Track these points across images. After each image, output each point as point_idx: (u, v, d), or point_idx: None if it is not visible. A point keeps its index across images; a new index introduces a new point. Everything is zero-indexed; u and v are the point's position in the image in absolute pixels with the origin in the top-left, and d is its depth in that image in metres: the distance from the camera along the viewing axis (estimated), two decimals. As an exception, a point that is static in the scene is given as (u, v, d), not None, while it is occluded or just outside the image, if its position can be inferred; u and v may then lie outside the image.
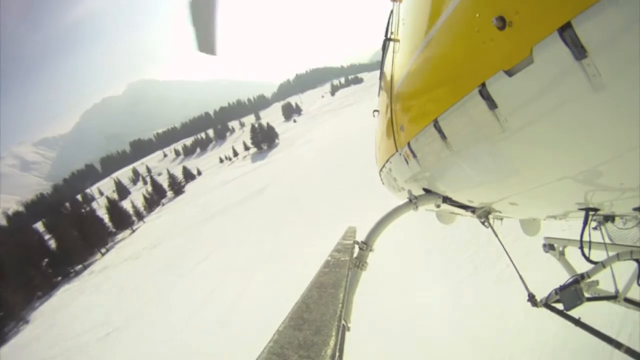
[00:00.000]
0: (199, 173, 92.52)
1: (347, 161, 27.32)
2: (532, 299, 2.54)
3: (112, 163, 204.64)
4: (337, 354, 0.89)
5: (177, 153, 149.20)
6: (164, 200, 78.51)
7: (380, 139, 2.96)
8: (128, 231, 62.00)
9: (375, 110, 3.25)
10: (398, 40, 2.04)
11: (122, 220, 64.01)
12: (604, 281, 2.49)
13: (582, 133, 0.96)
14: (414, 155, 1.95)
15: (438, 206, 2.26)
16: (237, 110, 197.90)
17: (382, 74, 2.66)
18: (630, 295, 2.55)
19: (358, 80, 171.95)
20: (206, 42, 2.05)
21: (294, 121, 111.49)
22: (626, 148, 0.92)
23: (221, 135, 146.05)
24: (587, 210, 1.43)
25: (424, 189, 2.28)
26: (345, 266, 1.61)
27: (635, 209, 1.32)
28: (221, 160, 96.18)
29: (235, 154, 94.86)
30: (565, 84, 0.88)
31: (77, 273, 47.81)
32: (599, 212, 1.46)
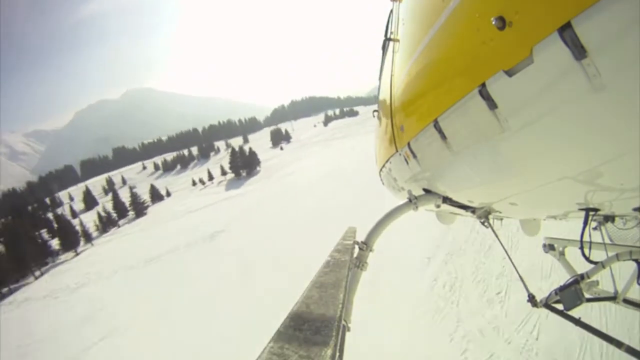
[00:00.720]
0: (168, 194, 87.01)
1: (333, 207, 21.12)
2: (532, 299, 2.52)
3: (92, 168, 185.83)
4: (337, 354, 0.88)
5: (156, 167, 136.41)
6: (122, 221, 72.35)
7: (380, 139, 2.97)
8: (72, 253, 55.62)
9: (375, 111, 3.30)
10: (398, 40, 2.09)
11: (70, 238, 57.38)
12: (604, 281, 2.53)
13: (582, 133, 0.98)
14: (414, 156, 1.95)
15: (438, 206, 2.25)
16: (227, 130, 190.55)
17: (381, 73, 2.71)
18: (629, 295, 2.59)
19: (353, 113, 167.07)
20: None
21: (281, 148, 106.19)
22: (626, 148, 0.93)
23: (205, 155, 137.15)
24: (587, 210, 1.45)
25: (424, 189, 2.28)
26: (345, 266, 1.56)
27: (635, 209, 1.35)
28: (194, 183, 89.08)
29: (211, 177, 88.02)
30: (565, 84, 0.89)
31: (3, 296, 41.04)
32: (599, 212, 1.48)
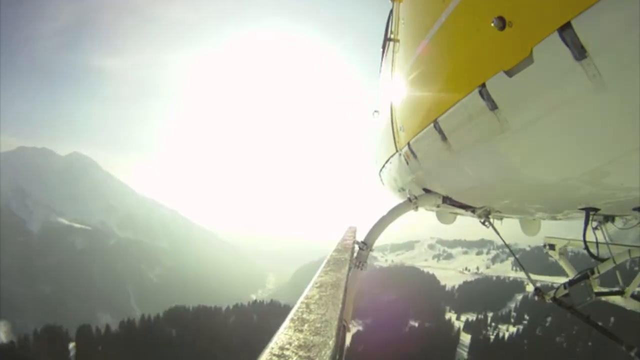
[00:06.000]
0: None
1: None
2: (538, 292, 2.50)
3: None
4: (337, 354, 0.88)
5: None
6: None
7: (380, 139, 2.98)
8: None
9: (375, 111, 3.30)
10: (398, 41, 2.10)
11: None
12: (607, 278, 2.49)
13: (582, 134, 0.98)
14: (414, 156, 1.96)
15: (438, 206, 2.25)
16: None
17: (381, 73, 2.72)
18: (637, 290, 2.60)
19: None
20: None
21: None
22: (626, 148, 0.93)
23: None
24: (588, 210, 1.45)
25: (424, 189, 2.29)
26: (346, 266, 1.56)
27: (635, 209, 1.35)
28: None
29: None
30: (565, 85, 0.89)
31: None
32: (599, 212, 1.49)
